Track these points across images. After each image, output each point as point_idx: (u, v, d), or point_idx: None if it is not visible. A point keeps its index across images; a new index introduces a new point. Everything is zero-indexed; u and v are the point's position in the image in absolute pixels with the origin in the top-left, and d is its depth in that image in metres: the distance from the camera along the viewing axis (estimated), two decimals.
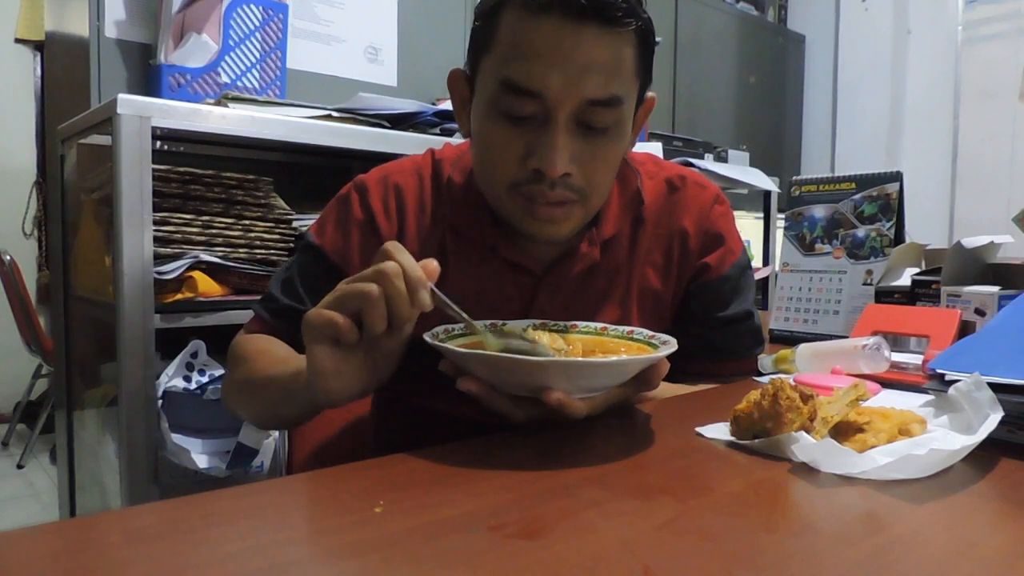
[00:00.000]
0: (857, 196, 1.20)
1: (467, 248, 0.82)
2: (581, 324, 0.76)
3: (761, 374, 0.89)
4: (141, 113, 1.22)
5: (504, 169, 0.72)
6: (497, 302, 0.81)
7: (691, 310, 0.86)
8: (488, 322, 0.73)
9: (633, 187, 0.85)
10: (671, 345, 0.65)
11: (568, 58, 0.67)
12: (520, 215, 0.74)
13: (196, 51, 1.62)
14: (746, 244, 0.91)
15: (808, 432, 0.56)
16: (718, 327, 0.87)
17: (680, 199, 0.87)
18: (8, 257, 2.85)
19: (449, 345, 0.61)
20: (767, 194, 2.43)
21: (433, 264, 0.60)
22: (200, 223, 1.39)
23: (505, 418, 0.61)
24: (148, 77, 1.66)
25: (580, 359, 0.62)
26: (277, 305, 0.84)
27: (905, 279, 1.10)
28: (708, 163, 2.27)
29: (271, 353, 0.79)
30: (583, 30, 0.67)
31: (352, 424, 1.03)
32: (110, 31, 1.65)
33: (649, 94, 0.79)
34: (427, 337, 0.64)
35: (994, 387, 0.57)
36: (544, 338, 0.66)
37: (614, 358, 0.60)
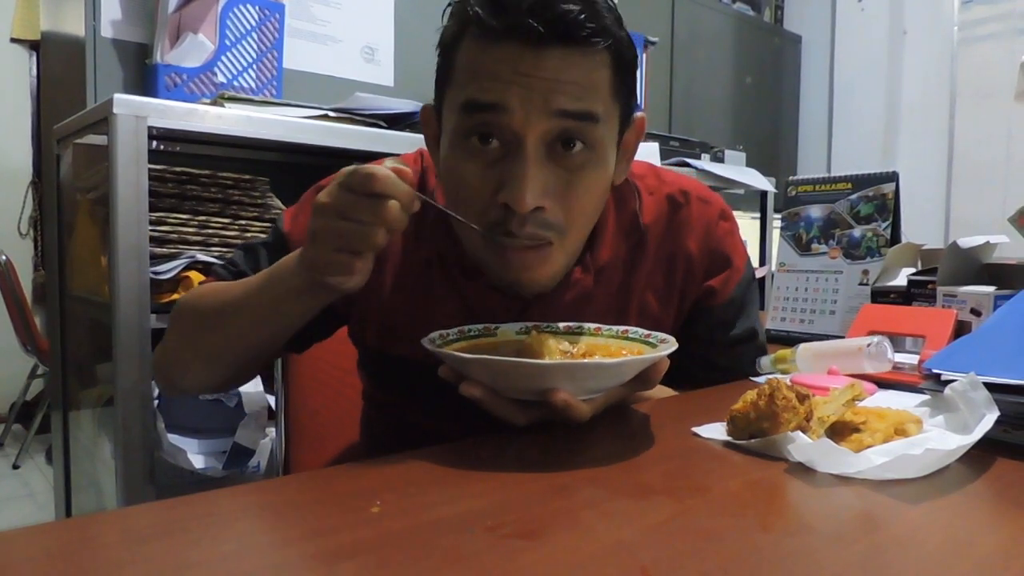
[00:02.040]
0: (853, 196, 1.21)
1: (453, 269, 0.77)
2: (575, 325, 0.75)
3: (759, 374, 0.89)
4: (137, 113, 1.22)
5: (472, 208, 0.67)
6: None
7: (694, 333, 0.83)
8: (481, 326, 0.72)
9: (631, 208, 0.80)
10: (671, 344, 0.65)
11: (531, 76, 0.62)
12: (494, 264, 0.70)
13: (192, 51, 1.62)
14: (743, 244, 0.90)
15: (804, 432, 0.56)
16: (723, 348, 0.85)
17: (684, 218, 0.81)
18: (4, 257, 2.84)
19: (447, 350, 0.61)
20: (763, 194, 2.44)
21: (405, 172, 0.58)
22: (196, 223, 1.39)
23: (507, 422, 0.60)
24: (144, 77, 1.65)
25: (585, 360, 0.62)
26: (237, 269, 0.81)
27: (901, 279, 1.10)
28: (705, 163, 2.27)
29: (237, 283, 0.74)
30: (546, 54, 0.62)
31: (349, 425, 1.03)
32: (106, 31, 1.64)
33: (638, 114, 0.74)
34: (425, 343, 0.63)
35: (990, 387, 0.57)
36: (549, 341, 0.65)
37: (618, 359, 0.60)
